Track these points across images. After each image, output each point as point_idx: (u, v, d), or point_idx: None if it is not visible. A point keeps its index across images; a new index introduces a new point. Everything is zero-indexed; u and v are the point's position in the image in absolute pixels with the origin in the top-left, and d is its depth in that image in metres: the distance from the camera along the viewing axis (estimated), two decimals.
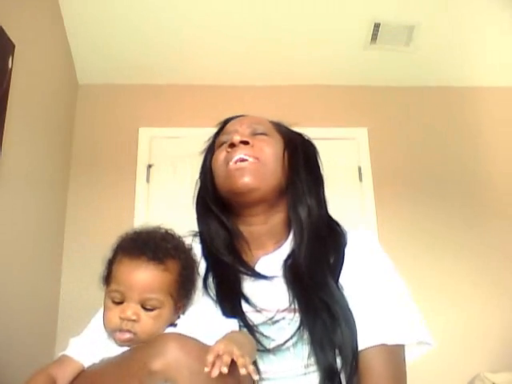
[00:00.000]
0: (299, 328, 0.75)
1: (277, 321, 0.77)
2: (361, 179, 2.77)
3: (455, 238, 2.68)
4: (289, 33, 2.57)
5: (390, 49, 2.68)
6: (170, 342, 0.63)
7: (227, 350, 0.59)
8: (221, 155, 0.89)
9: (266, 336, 0.75)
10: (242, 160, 0.85)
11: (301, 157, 0.92)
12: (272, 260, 0.86)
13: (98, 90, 2.82)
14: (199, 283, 0.81)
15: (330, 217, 0.93)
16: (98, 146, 2.74)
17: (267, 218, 0.89)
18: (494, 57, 2.76)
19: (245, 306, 0.79)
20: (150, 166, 2.72)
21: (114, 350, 0.70)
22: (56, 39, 2.43)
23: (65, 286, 2.42)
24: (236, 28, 2.52)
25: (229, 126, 0.94)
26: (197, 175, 0.98)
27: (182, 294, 0.73)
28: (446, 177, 2.81)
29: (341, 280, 0.81)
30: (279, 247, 0.88)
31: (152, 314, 0.69)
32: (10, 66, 1.78)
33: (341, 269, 0.83)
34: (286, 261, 0.84)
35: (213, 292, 0.81)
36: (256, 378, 0.60)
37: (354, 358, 0.74)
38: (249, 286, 0.82)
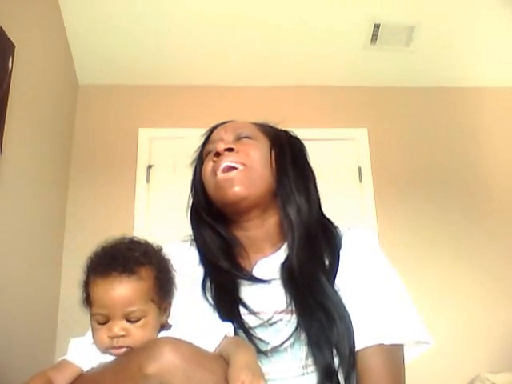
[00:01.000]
0: (296, 329, 0.75)
1: (274, 322, 0.77)
2: (361, 179, 2.77)
3: (455, 238, 2.68)
4: (289, 33, 2.57)
5: (390, 49, 2.68)
6: (165, 345, 0.63)
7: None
8: (208, 165, 0.90)
9: (263, 338, 0.75)
10: (230, 168, 0.85)
11: (288, 155, 0.91)
12: (269, 263, 0.86)
13: (98, 90, 2.82)
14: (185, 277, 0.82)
15: (323, 215, 0.92)
16: (98, 146, 2.74)
17: (262, 221, 0.89)
18: (494, 57, 2.76)
19: (242, 310, 0.79)
20: (149, 167, 2.72)
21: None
22: (56, 39, 2.43)
23: (65, 286, 2.42)
24: (236, 29, 2.52)
25: (214, 135, 0.94)
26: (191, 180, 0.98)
27: (163, 296, 0.74)
28: (446, 177, 2.81)
29: (339, 279, 0.81)
30: (277, 250, 0.88)
31: (139, 324, 0.70)
32: (10, 67, 1.79)
33: (336, 270, 0.82)
34: (283, 263, 0.84)
35: (211, 297, 0.81)
36: None
37: (351, 356, 0.74)
38: (247, 290, 0.83)
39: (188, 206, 0.96)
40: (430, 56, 2.73)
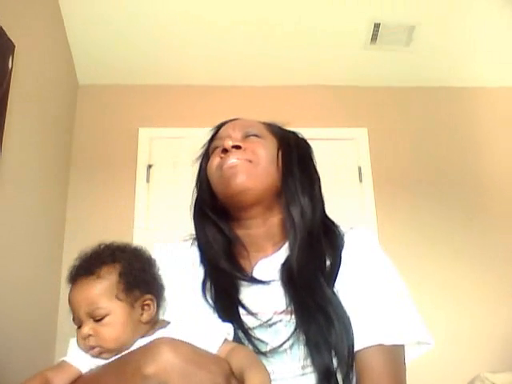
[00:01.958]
0: (295, 330, 0.75)
1: (273, 323, 0.77)
2: (361, 179, 2.77)
3: (456, 238, 2.68)
4: (289, 33, 2.57)
5: (390, 49, 2.68)
6: (163, 346, 0.63)
7: None
8: (214, 161, 0.90)
9: (262, 339, 0.75)
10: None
11: (295, 156, 0.92)
12: (270, 263, 0.86)
13: (98, 90, 2.82)
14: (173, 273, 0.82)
15: (326, 216, 0.92)
16: (98, 146, 2.74)
17: (264, 220, 0.89)
18: (494, 57, 2.76)
19: (241, 311, 0.79)
20: (149, 166, 2.72)
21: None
22: (56, 39, 2.43)
23: (65, 287, 2.41)
24: (236, 29, 2.52)
25: (221, 132, 0.94)
26: (197, 176, 0.98)
27: (132, 292, 0.74)
28: (446, 177, 2.81)
29: (339, 280, 0.81)
30: (278, 249, 0.88)
31: (104, 322, 0.71)
32: (10, 66, 1.78)
33: (338, 271, 0.82)
34: (283, 263, 0.84)
35: (211, 297, 0.81)
36: None
37: (349, 357, 0.74)
38: (246, 291, 0.83)
39: (192, 203, 0.95)
40: (430, 56, 2.73)
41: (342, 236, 0.89)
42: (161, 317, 0.78)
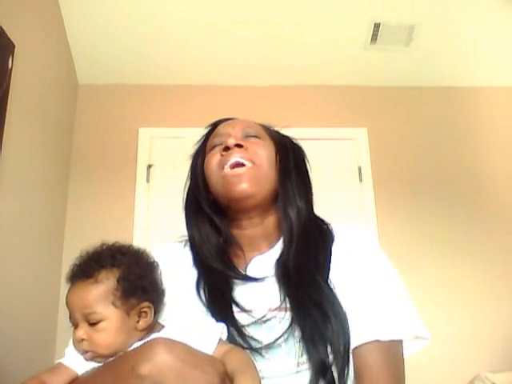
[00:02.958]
0: (290, 326, 0.75)
1: (267, 320, 0.77)
2: (361, 179, 2.77)
3: (456, 237, 2.68)
4: (289, 33, 2.57)
5: (389, 49, 2.68)
6: (158, 346, 0.63)
7: None
8: (214, 158, 0.89)
9: (255, 336, 0.75)
10: (238, 164, 0.85)
11: (291, 160, 0.92)
12: (265, 260, 0.86)
13: (98, 90, 2.82)
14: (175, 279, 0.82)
15: (316, 216, 0.93)
16: (98, 146, 2.74)
17: (261, 220, 0.89)
18: (494, 57, 2.76)
19: (235, 308, 0.79)
20: (149, 166, 2.72)
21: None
22: (56, 39, 2.43)
23: (65, 287, 2.42)
24: (236, 29, 2.52)
25: (220, 129, 0.93)
26: (190, 172, 0.97)
27: (129, 300, 0.73)
28: (446, 177, 2.81)
29: (335, 276, 0.81)
30: (272, 247, 0.88)
31: (98, 327, 0.70)
32: (10, 66, 1.79)
33: (329, 265, 0.83)
34: (278, 260, 0.84)
35: (204, 297, 0.81)
36: None
37: (345, 353, 0.74)
38: (240, 289, 0.83)
39: (183, 198, 0.94)
40: (430, 56, 2.73)
41: (331, 231, 0.89)
42: (161, 319, 0.78)
